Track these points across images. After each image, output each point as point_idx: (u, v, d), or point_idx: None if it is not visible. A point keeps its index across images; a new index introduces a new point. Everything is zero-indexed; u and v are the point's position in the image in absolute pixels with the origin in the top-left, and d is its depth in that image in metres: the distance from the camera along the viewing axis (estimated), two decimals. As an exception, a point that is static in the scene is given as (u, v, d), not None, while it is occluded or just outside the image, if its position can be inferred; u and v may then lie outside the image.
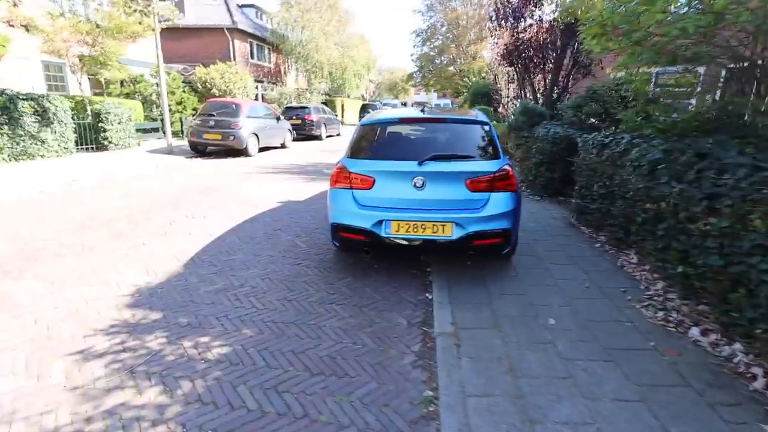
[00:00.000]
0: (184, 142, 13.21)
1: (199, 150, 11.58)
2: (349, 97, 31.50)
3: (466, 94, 35.59)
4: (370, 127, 3.55)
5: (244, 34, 22.39)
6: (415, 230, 3.10)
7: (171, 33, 17.00)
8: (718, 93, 4.30)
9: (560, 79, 9.15)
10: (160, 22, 11.03)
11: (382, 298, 3.22)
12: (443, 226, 3.07)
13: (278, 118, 13.26)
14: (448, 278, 3.47)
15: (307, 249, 4.24)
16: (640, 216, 3.55)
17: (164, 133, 12.13)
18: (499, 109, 14.54)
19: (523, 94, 10.45)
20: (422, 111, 3.72)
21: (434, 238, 3.09)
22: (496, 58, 12.50)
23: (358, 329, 2.77)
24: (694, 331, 2.63)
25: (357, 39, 27.50)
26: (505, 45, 9.67)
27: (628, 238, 3.84)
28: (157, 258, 4.00)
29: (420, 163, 3.15)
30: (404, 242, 3.14)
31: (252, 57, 23.61)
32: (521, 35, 9.10)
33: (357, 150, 3.42)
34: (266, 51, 25.11)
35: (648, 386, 2.15)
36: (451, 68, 39.18)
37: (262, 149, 12.27)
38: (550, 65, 9.33)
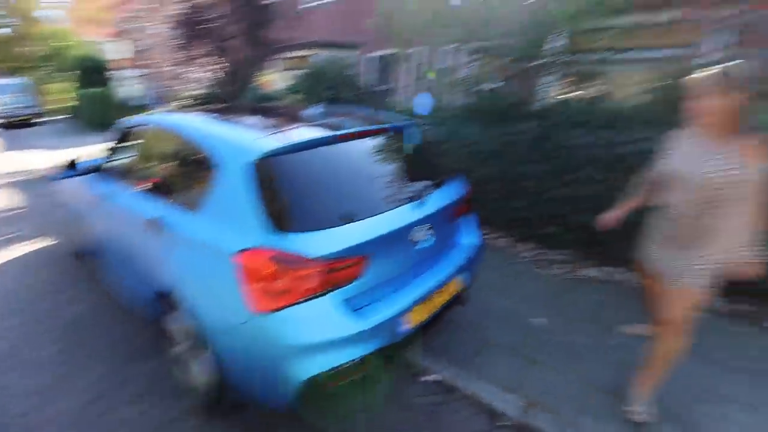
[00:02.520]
0: None
1: None
2: None
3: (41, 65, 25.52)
4: (279, 161, 1.70)
5: None
6: (432, 306, 2.03)
7: None
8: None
9: (248, 56, 8.28)
10: None
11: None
12: (454, 281, 2.19)
13: None
14: (435, 359, 2.44)
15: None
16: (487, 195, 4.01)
17: None
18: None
19: (218, 75, 8.67)
20: (323, 113, 2.29)
21: (447, 305, 2.16)
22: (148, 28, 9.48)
23: None
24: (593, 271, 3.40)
25: None
26: (186, 14, 7.45)
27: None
28: None
29: (420, 203, 1.99)
30: (420, 331, 2.01)
31: None
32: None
33: (283, 212, 1.66)
34: None
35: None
36: (3, 31, 26.47)
37: None
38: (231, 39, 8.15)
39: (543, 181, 3.56)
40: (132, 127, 2.76)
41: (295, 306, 1.57)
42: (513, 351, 2.53)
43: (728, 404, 2.10)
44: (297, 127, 2.02)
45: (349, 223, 1.72)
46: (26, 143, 12.36)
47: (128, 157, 2.76)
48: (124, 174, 2.65)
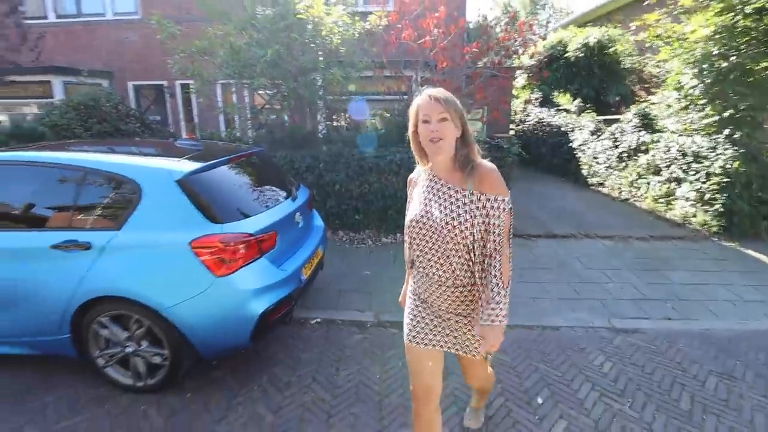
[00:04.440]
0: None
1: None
2: None
3: None
4: (199, 177, 2.34)
5: None
6: (312, 264, 3.04)
7: None
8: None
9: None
10: None
11: None
12: (319, 249, 3.24)
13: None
14: (312, 310, 3.47)
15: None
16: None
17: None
18: None
19: None
20: (190, 145, 2.89)
21: (318, 266, 3.19)
22: None
23: None
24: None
25: None
26: None
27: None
28: None
29: (294, 199, 2.93)
30: (309, 283, 2.98)
31: None
32: None
33: (214, 209, 2.32)
34: None
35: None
36: None
37: None
38: None
39: (344, 185, 5.07)
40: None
41: (244, 267, 2.32)
42: (358, 291, 3.82)
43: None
44: (192, 153, 2.66)
45: (262, 212, 2.58)
46: None
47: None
48: None
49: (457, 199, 1.36)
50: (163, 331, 2.27)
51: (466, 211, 1.34)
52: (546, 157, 10.12)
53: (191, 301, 2.22)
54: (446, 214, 1.36)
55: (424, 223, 1.42)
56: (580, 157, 8.72)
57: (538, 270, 4.36)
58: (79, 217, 2.34)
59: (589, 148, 8.42)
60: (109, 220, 2.31)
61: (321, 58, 4.64)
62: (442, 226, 1.36)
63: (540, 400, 2.44)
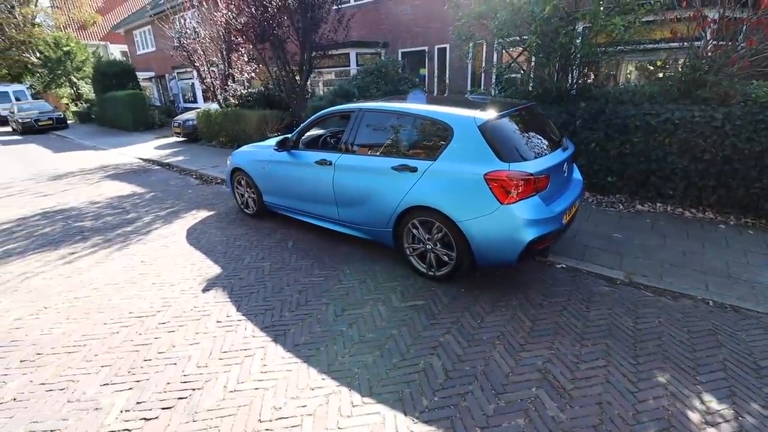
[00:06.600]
0: None
1: None
2: None
3: (61, 73, 25.47)
4: (493, 124, 2.97)
5: None
6: (570, 213, 3.29)
7: None
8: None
9: (306, 56, 9.35)
10: None
11: (566, 285, 3.28)
12: (576, 202, 3.43)
13: None
14: (559, 257, 3.84)
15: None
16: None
17: None
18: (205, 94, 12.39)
19: (274, 75, 9.67)
20: (479, 99, 3.54)
21: (572, 217, 3.40)
22: (195, 34, 10.45)
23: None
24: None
25: None
26: (250, 15, 8.42)
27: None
28: None
29: (564, 149, 3.26)
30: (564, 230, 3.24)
31: None
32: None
33: (503, 151, 2.89)
34: None
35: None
36: (-2, 39, 26.39)
37: None
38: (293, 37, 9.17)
39: (601, 144, 4.86)
40: (333, 114, 3.98)
41: (522, 200, 2.81)
42: (605, 250, 3.82)
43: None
44: (484, 106, 3.25)
45: (538, 157, 2.97)
46: (67, 146, 13.14)
47: (333, 134, 3.97)
48: (342, 145, 3.75)
49: None
50: (455, 238, 3.07)
51: None
52: None
53: (479, 219, 2.90)
54: None
55: None
56: None
57: None
58: (410, 149, 3.33)
59: None
60: (429, 152, 3.19)
61: (601, 8, 4.40)
62: None
63: None
